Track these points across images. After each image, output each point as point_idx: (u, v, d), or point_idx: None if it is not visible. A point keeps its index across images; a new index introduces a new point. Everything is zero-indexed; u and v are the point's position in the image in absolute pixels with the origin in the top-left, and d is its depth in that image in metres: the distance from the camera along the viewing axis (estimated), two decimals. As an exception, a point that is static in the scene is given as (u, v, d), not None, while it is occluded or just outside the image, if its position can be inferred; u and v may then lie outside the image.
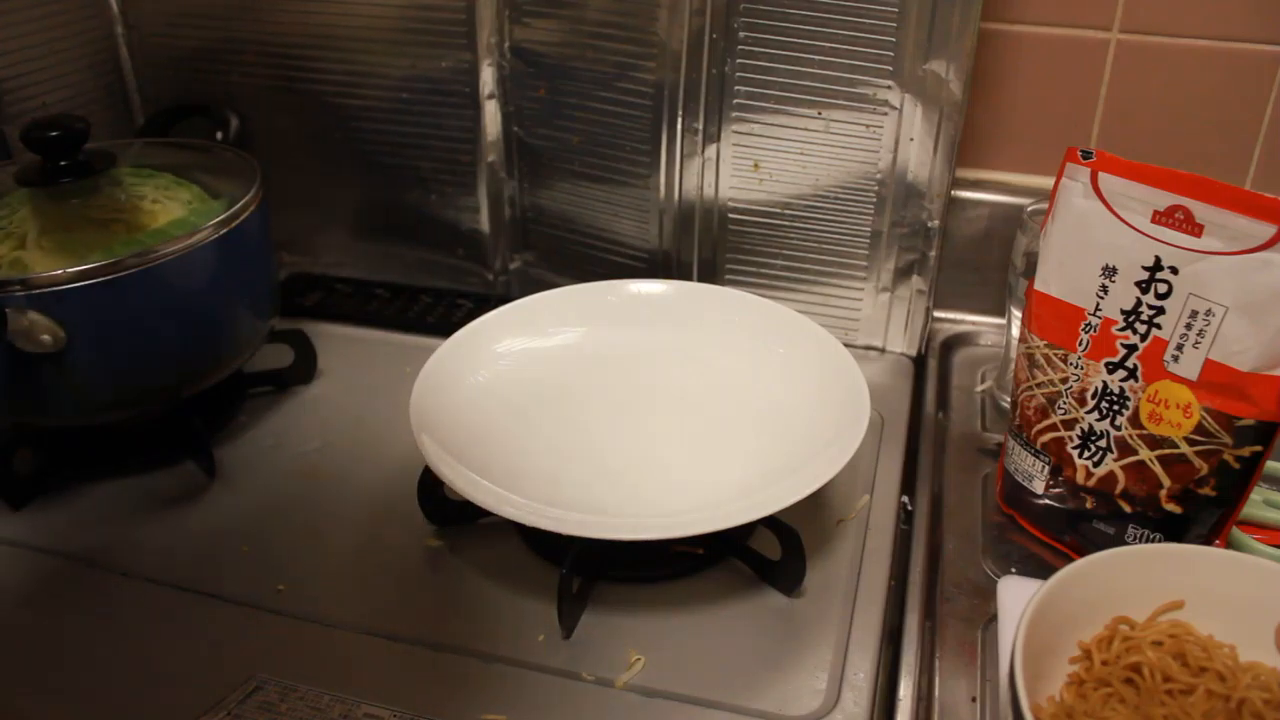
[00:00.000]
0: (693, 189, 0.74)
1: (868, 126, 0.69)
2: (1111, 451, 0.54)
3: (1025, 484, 0.59)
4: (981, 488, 0.64)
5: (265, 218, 0.65)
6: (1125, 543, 0.54)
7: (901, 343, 0.76)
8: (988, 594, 0.55)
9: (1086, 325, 0.54)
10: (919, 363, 0.76)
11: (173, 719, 0.47)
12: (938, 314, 0.81)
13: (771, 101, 0.70)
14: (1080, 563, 0.46)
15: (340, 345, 0.78)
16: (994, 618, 0.52)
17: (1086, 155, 0.52)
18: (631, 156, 0.75)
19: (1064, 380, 0.55)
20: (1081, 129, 0.77)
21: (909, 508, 0.63)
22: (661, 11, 0.69)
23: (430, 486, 0.58)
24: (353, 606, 0.55)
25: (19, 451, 0.65)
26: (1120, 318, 0.52)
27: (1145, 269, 0.51)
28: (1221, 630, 0.47)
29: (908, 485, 0.64)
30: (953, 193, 0.75)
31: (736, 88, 0.70)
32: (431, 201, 0.83)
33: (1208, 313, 0.49)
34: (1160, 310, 0.51)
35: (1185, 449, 0.51)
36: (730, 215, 0.75)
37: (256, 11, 0.78)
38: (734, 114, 0.71)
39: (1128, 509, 0.54)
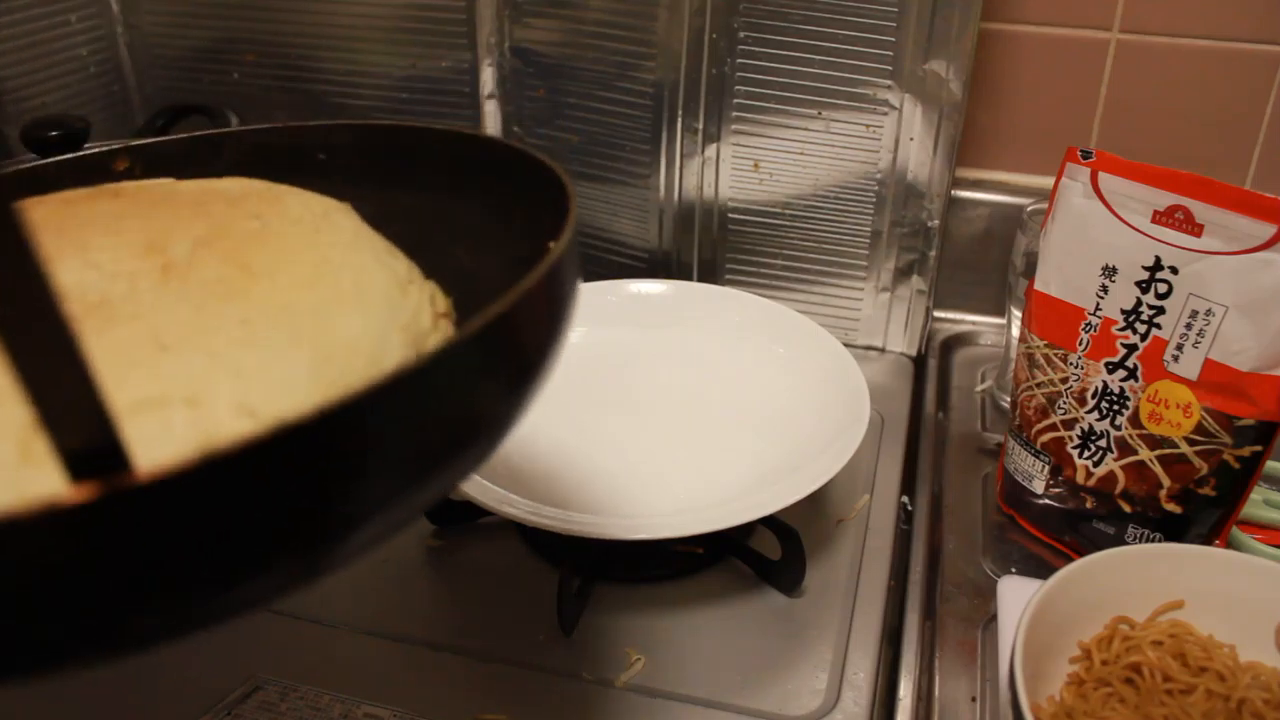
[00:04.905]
0: (693, 189, 0.74)
1: (868, 126, 0.69)
2: (1111, 451, 0.54)
3: (1025, 484, 0.59)
4: (981, 488, 0.64)
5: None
6: (1125, 543, 0.54)
7: (901, 343, 0.76)
8: (988, 594, 0.55)
9: (1086, 325, 0.54)
10: (919, 363, 0.76)
11: (173, 719, 0.47)
12: (938, 314, 0.81)
13: (771, 101, 0.70)
14: (1080, 563, 0.46)
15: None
16: (994, 618, 0.52)
17: (1086, 155, 0.52)
18: (631, 156, 0.75)
19: (1064, 380, 0.55)
20: (1081, 129, 0.77)
21: (909, 508, 0.63)
22: (661, 11, 0.69)
23: (430, 486, 0.58)
24: (353, 606, 0.55)
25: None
26: (1120, 317, 0.52)
27: (1145, 269, 0.51)
28: (1221, 630, 0.47)
29: (908, 485, 0.64)
30: (953, 193, 0.75)
31: (736, 88, 0.70)
32: (431, 201, 0.83)
33: (1208, 313, 0.49)
34: (1160, 310, 0.51)
35: (1185, 449, 0.51)
36: (730, 215, 0.75)
37: (256, 11, 0.79)
38: (734, 114, 0.71)
39: (1128, 509, 0.54)
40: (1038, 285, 0.56)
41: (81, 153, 0.40)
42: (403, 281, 0.32)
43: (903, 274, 0.74)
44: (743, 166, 0.73)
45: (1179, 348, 0.50)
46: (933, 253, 0.72)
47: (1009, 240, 0.70)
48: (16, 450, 0.22)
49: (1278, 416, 0.49)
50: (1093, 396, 0.54)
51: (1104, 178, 0.52)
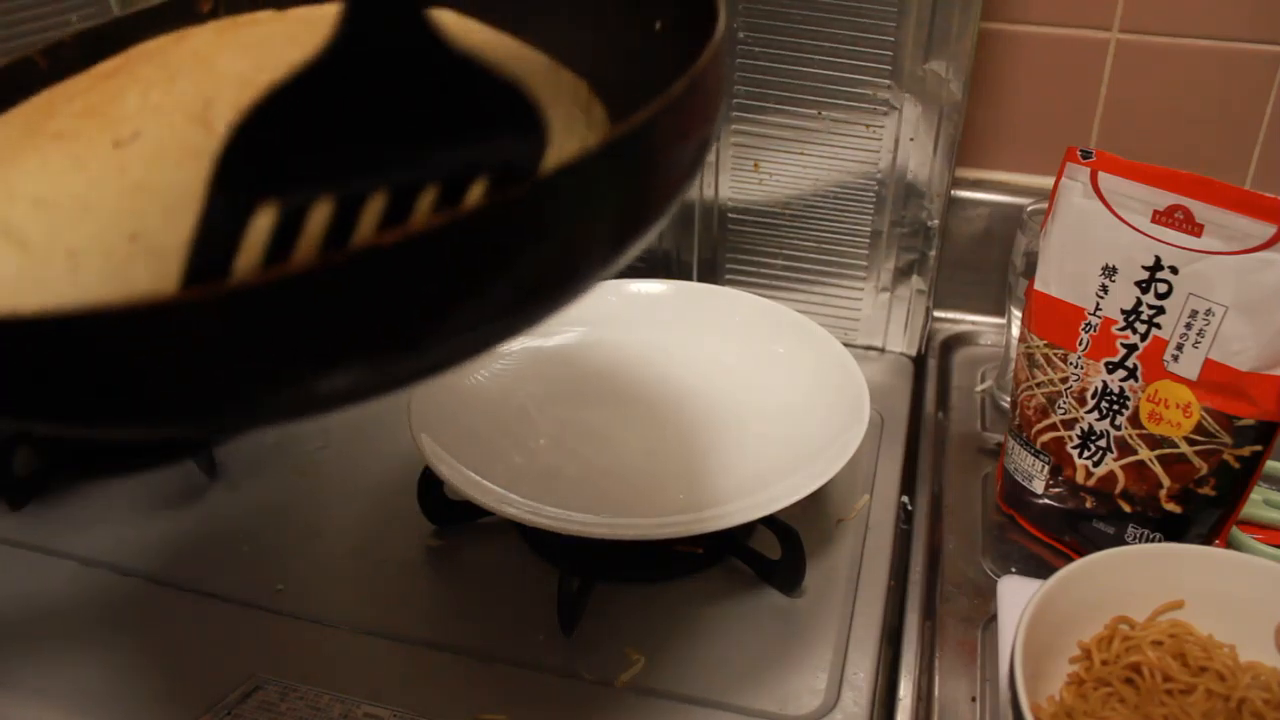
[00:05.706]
0: (692, 189, 0.74)
1: (868, 126, 0.69)
2: (1111, 451, 0.54)
3: (1025, 484, 0.59)
4: (981, 488, 0.64)
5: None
6: (1125, 543, 0.54)
7: (901, 342, 0.76)
8: (988, 594, 0.55)
9: (1086, 325, 0.54)
10: (919, 363, 0.76)
11: (173, 719, 0.47)
12: (938, 314, 0.81)
13: (771, 101, 0.70)
14: (1080, 563, 0.46)
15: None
16: (994, 618, 0.52)
17: (1086, 155, 0.52)
18: (631, 156, 0.75)
19: (1064, 380, 0.55)
20: (1081, 129, 0.77)
21: (909, 508, 0.63)
22: (661, 11, 0.69)
23: (430, 486, 0.58)
24: (353, 606, 0.55)
25: (19, 451, 0.65)
26: (1120, 317, 0.52)
27: (1145, 269, 0.51)
28: (1221, 630, 0.47)
29: (908, 485, 0.64)
30: (953, 193, 0.75)
31: (736, 88, 0.70)
32: (431, 201, 0.83)
33: (1208, 312, 0.49)
34: (1160, 310, 0.51)
35: (1185, 449, 0.51)
36: (730, 215, 0.75)
37: (256, 11, 0.78)
38: (734, 114, 0.71)
39: (1128, 509, 0.54)
40: (1038, 285, 0.56)
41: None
42: (550, 64, 0.32)
43: (903, 274, 0.74)
44: (743, 166, 0.73)
45: (1179, 347, 0.50)
46: (933, 253, 0.72)
47: (1009, 240, 0.70)
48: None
49: (1278, 416, 0.49)
50: (1093, 396, 0.54)
51: (1104, 178, 0.52)
